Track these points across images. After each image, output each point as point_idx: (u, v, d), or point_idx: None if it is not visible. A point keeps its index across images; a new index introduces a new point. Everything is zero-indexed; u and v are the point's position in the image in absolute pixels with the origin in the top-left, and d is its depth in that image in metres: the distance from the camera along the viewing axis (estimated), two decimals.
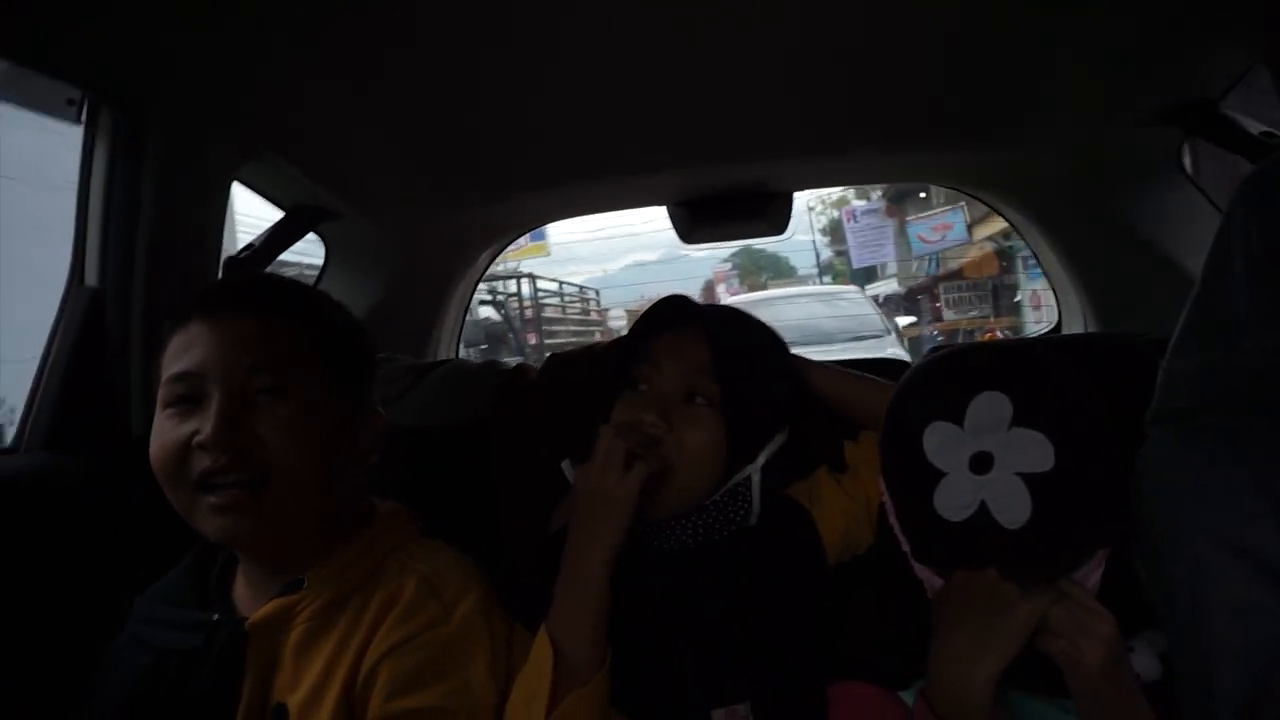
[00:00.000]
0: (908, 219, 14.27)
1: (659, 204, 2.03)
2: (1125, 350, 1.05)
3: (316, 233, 1.71)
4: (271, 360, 0.81)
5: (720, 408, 0.92)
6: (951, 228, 13.09)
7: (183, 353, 0.82)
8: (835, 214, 18.66)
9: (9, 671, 0.93)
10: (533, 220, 2.18)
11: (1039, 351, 0.79)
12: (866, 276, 17.44)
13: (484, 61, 1.21)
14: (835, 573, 0.96)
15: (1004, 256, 12.40)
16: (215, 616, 0.85)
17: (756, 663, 0.89)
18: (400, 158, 1.55)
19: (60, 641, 0.96)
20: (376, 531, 0.90)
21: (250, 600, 0.87)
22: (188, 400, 0.80)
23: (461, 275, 2.14)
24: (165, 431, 0.80)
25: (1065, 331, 2.07)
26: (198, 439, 0.78)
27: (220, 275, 1.39)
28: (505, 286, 12.25)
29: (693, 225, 1.99)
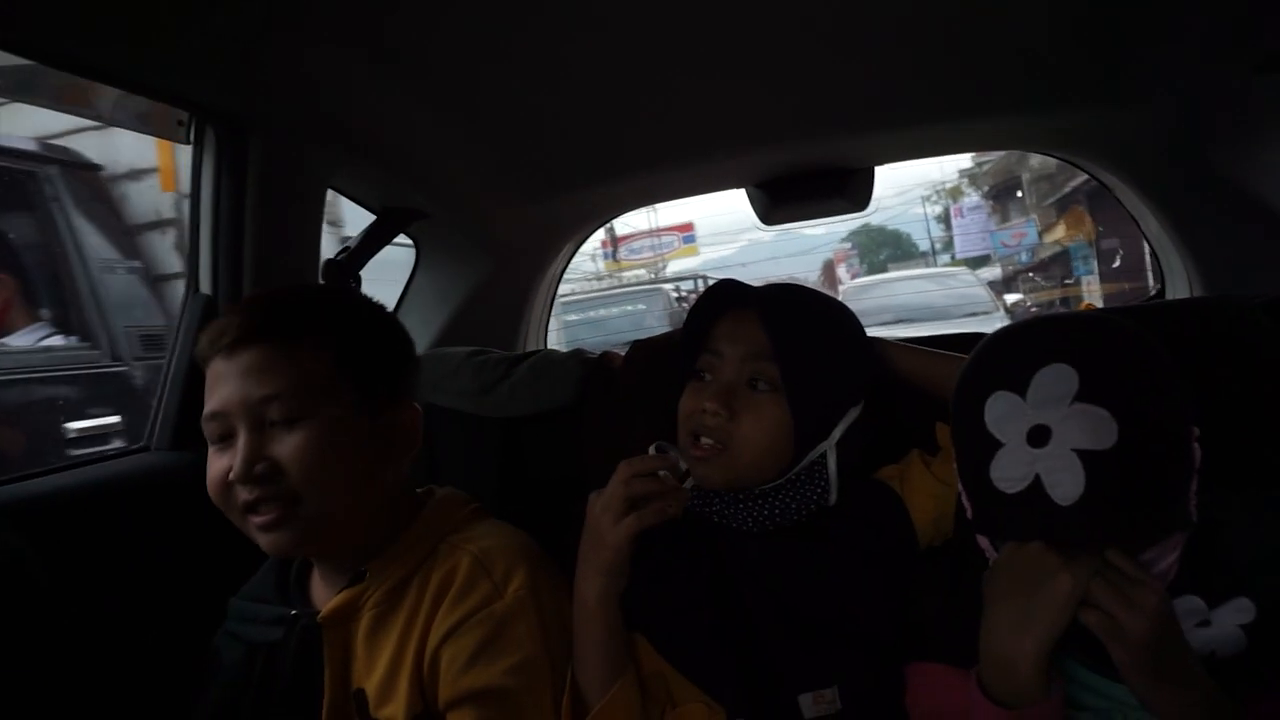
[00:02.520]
0: (991, 230, 17.56)
1: (738, 186, 2.03)
2: (1229, 315, 1.00)
3: (407, 233, 1.78)
4: (284, 390, 0.82)
5: (783, 390, 0.91)
6: (1025, 235, 16.47)
7: (211, 393, 0.85)
8: (948, 202, 20.62)
9: (132, 658, 1.02)
10: (614, 209, 2.20)
11: (1116, 324, 0.76)
12: (974, 265, 18.26)
13: (559, 56, 1.24)
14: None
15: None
16: (293, 611, 0.91)
17: (841, 644, 0.88)
18: (482, 156, 1.60)
19: (176, 632, 1.04)
20: (430, 517, 0.94)
21: (324, 594, 0.92)
22: (222, 438, 0.84)
23: (547, 266, 2.19)
24: (211, 467, 0.85)
25: (1169, 297, 1.97)
26: (231, 476, 0.82)
27: (320, 277, 1.48)
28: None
29: (772, 206, 1.98)
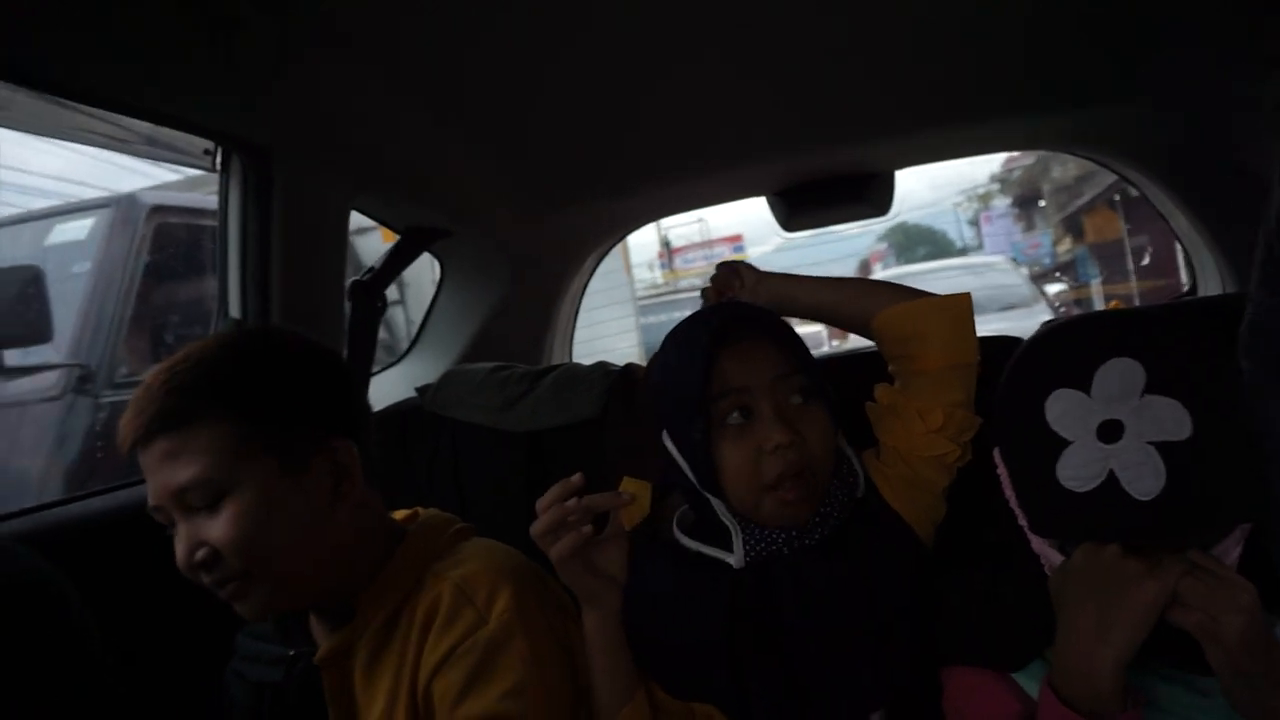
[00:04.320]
0: (1015, 238, 18.86)
1: (758, 194, 2.03)
2: None
3: (431, 252, 1.80)
4: (195, 477, 0.80)
5: (812, 395, 0.89)
6: (1041, 245, 17.87)
7: (147, 484, 0.84)
8: (979, 207, 22.23)
9: (150, 689, 1.01)
10: (634, 221, 2.21)
11: (1172, 316, 0.76)
12: None
13: (573, 69, 1.26)
14: (941, 552, 0.94)
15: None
16: (292, 652, 0.91)
17: (882, 657, 0.86)
18: (501, 171, 1.62)
19: (193, 664, 1.04)
20: (411, 546, 0.92)
21: (321, 631, 0.92)
22: (170, 525, 0.83)
23: (570, 280, 2.20)
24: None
25: (1201, 294, 1.94)
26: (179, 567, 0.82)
27: (346, 299, 1.50)
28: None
29: (792, 213, 1.98)
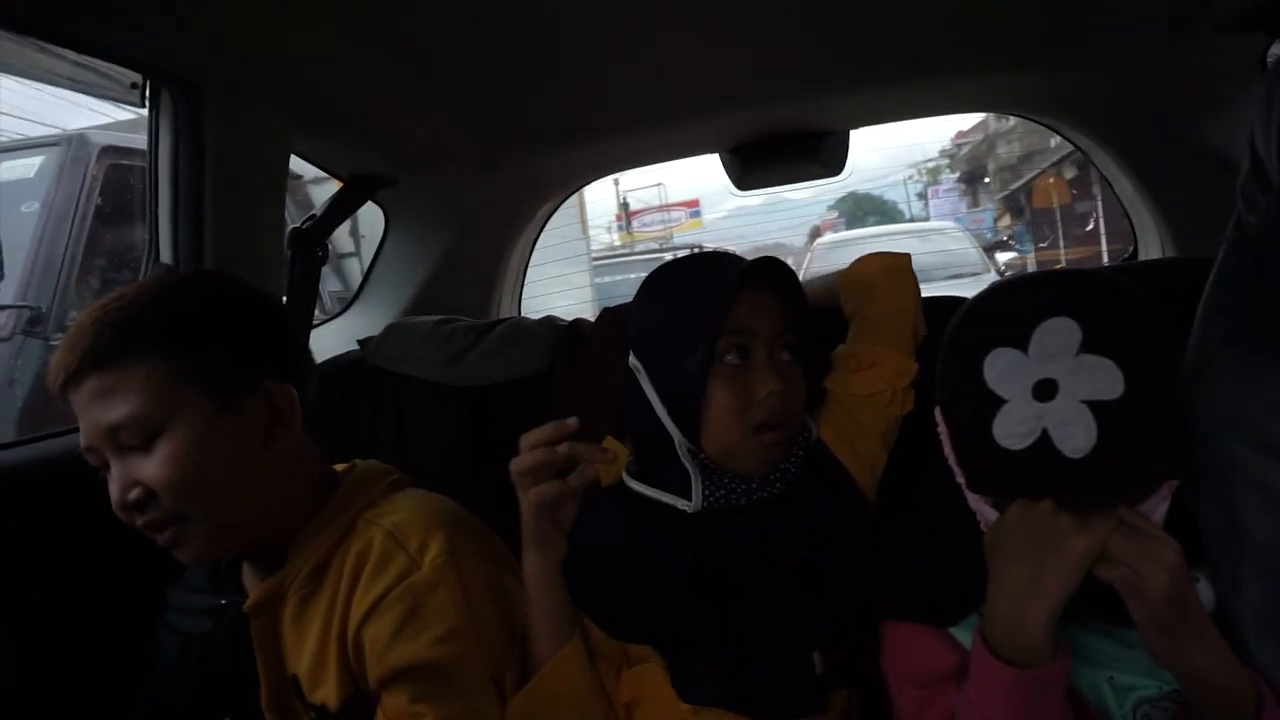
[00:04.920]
0: (960, 213, 19.91)
1: (712, 151, 2.00)
2: (1200, 274, 1.01)
3: (375, 200, 1.75)
4: (129, 415, 0.78)
5: (798, 355, 0.93)
6: (983, 220, 19.05)
7: (80, 424, 0.82)
8: (928, 181, 24.34)
9: (75, 648, 1.01)
10: (585, 175, 2.17)
11: (1110, 277, 0.77)
12: None
13: (525, 15, 1.21)
14: (882, 510, 0.96)
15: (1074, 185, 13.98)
16: (223, 601, 0.90)
17: (822, 607, 0.89)
18: (449, 120, 1.57)
19: (122, 622, 1.02)
20: (344, 494, 0.91)
21: (253, 580, 0.91)
22: (103, 467, 0.82)
23: (519, 233, 2.16)
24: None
25: (1142, 258, 1.98)
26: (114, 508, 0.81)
27: (287, 247, 1.45)
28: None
29: (745, 171, 1.96)
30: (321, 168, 1.58)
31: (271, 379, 0.86)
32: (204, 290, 0.88)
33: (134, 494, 0.79)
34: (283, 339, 0.92)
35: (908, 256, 1.09)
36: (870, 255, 1.11)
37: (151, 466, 0.79)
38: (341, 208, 1.58)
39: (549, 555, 0.88)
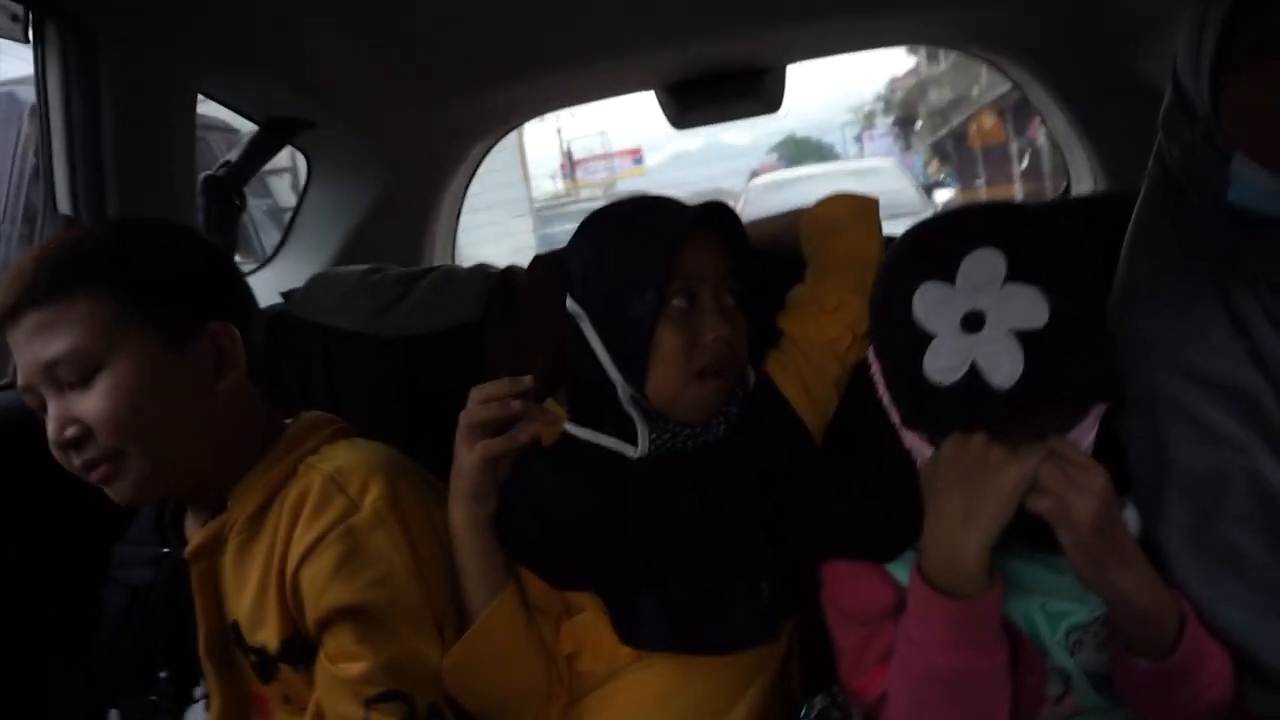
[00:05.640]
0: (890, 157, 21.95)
1: (647, 89, 1.96)
2: (1131, 207, 1.01)
3: (295, 145, 1.67)
4: (68, 350, 0.78)
5: (742, 299, 0.93)
6: (913, 165, 18.85)
7: (17, 363, 0.81)
8: (864, 125, 26.26)
9: (22, 609, 0.99)
10: (518, 115, 2.11)
11: (1034, 209, 0.77)
12: None
13: None
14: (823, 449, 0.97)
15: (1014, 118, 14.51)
16: (165, 550, 0.89)
17: (765, 547, 0.90)
18: (371, 56, 1.49)
19: (68, 584, 1.00)
20: (288, 440, 0.90)
21: (195, 529, 0.90)
22: (41, 408, 0.81)
23: (450, 176, 2.09)
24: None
25: (1075, 194, 2.01)
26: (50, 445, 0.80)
27: (200, 196, 1.37)
28: None
29: (682, 109, 1.93)
30: (234, 109, 1.50)
31: (216, 319, 0.85)
32: (148, 231, 0.88)
33: (70, 431, 0.78)
34: (230, 280, 0.91)
35: (875, 200, 1.05)
36: (837, 195, 1.06)
37: (90, 402, 0.78)
38: (258, 152, 1.51)
39: (483, 509, 0.87)
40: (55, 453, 0.80)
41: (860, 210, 1.04)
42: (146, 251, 0.85)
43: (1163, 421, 0.80)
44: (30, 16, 1.06)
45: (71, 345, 0.77)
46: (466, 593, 0.87)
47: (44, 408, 0.80)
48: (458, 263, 1.93)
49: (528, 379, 0.87)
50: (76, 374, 0.78)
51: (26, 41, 1.07)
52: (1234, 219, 0.78)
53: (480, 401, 0.86)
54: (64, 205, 1.13)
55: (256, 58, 1.35)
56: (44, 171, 1.15)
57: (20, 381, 0.81)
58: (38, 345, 0.78)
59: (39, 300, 0.78)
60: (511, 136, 2.22)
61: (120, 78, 1.11)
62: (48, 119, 1.11)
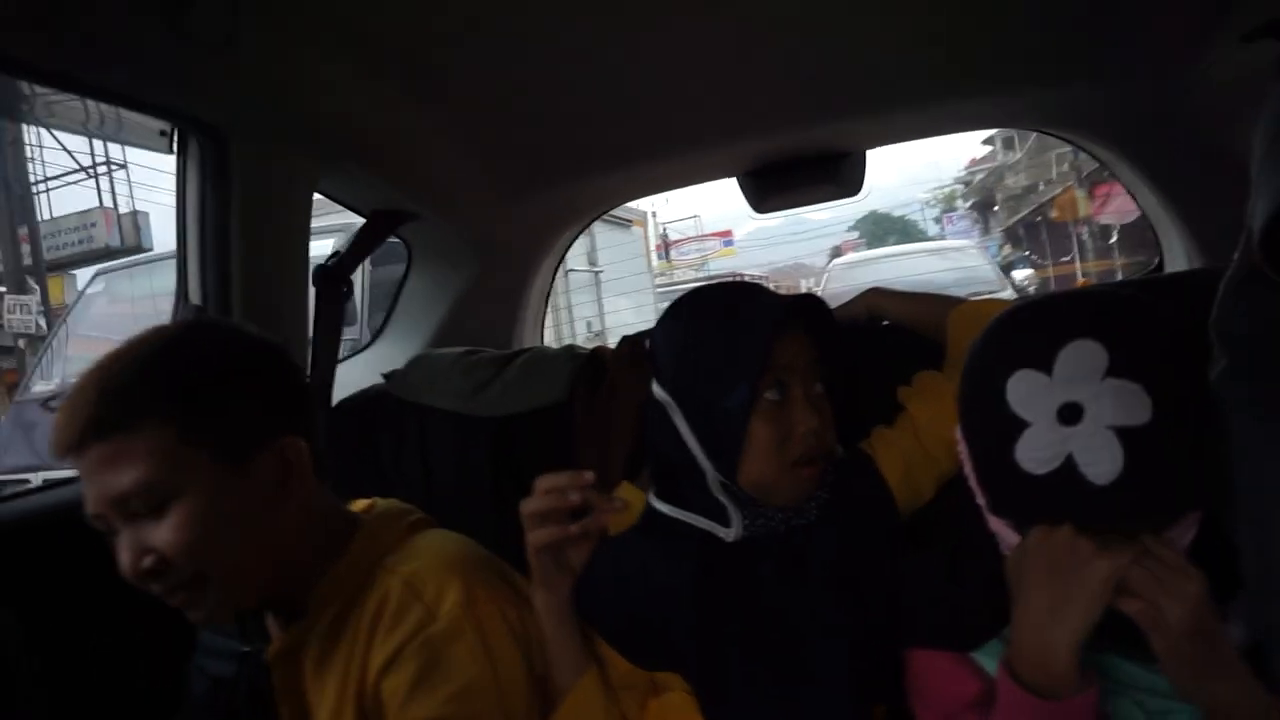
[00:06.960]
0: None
1: (729, 175, 2.01)
2: None
3: (398, 235, 1.77)
4: (137, 483, 0.76)
5: (829, 386, 0.94)
6: (988, 248, 19.13)
7: (85, 491, 0.80)
8: (944, 207, 27.18)
9: (113, 690, 1.03)
10: (604, 203, 2.19)
11: (1137, 298, 0.75)
12: None
13: (540, 48, 1.23)
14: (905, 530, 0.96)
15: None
16: (246, 649, 0.91)
17: (861, 625, 0.88)
18: (467, 153, 1.59)
19: (156, 661, 1.03)
20: (364, 540, 0.90)
21: (277, 629, 0.91)
22: (111, 533, 0.80)
23: (540, 263, 2.17)
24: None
25: (1169, 270, 1.95)
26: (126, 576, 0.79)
27: (311, 283, 1.47)
28: None
29: (764, 194, 1.96)
30: (344, 204, 1.61)
31: (279, 433, 0.85)
32: (208, 346, 0.86)
33: (148, 561, 0.77)
34: (292, 389, 0.91)
35: None
36: (995, 299, 1.14)
37: (164, 533, 0.77)
38: (365, 243, 1.60)
39: (554, 595, 0.89)
40: (132, 581, 0.79)
41: None
42: (205, 372, 0.83)
43: (1271, 523, 0.75)
44: (175, 131, 1.19)
45: (139, 479, 0.76)
46: (553, 673, 0.89)
47: (114, 532, 0.80)
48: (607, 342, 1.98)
49: (589, 474, 0.86)
50: (147, 506, 0.77)
51: (171, 153, 1.20)
52: None
53: (543, 491, 0.87)
54: (195, 296, 1.23)
55: (365, 158, 1.46)
56: (178, 264, 1.26)
57: (90, 510, 0.80)
58: (107, 477, 0.77)
59: (104, 434, 0.77)
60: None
61: (246, 181, 1.22)
62: (185, 217, 1.23)
